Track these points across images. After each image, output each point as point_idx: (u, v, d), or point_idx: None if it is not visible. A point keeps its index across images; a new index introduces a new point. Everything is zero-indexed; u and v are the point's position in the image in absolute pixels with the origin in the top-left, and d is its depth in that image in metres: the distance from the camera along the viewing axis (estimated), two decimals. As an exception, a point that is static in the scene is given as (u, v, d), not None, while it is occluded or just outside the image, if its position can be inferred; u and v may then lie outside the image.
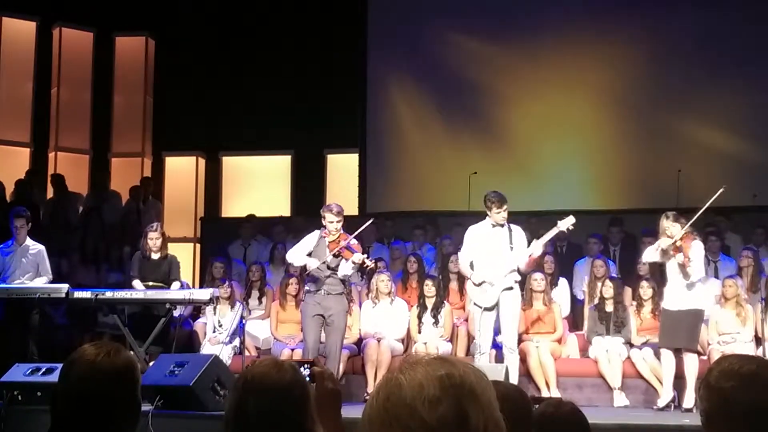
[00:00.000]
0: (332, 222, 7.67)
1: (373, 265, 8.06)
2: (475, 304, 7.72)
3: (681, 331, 7.50)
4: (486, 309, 7.57)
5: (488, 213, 7.66)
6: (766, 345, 7.97)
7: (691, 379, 7.41)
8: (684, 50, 11.70)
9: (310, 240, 7.84)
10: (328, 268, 7.66)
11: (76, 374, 2.27)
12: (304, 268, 7.91)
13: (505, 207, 7.58)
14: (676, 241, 7.37)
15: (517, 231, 7.72)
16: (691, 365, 7.47)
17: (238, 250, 11.28)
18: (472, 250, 7.74)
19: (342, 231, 7.71)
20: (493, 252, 7.60)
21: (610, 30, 12.08)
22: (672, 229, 7.42)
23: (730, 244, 10.11)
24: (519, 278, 7.72)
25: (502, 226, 7.66)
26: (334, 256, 7.62)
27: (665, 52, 11.76)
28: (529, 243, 7.69)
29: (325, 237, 7.72)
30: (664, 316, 7.69)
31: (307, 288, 7.86)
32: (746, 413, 1.95)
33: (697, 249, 7.50)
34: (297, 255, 7.88)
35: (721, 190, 7.66)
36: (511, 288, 7.59)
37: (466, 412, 1.39)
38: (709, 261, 9.19)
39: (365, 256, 7.67)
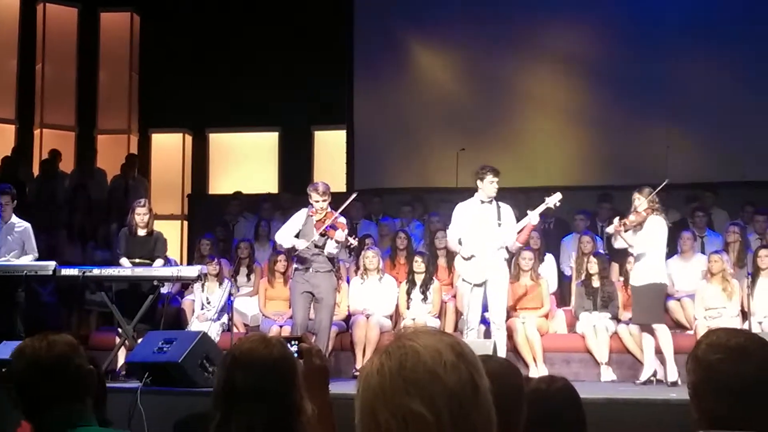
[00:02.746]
0: (318, 201, 7.66)
1: (356, 243, 8.06)
2: (464, 280, 7.73)
3: (645, 307, 7.57)
4: (476, 285, 7.58)
5: (480, 184, 7.64)
6: (752, 319, 8.02)
7: (668, 352, 7.47)
8: (671, 25, 11.67)
9: (298, 219, 7.82)
10: (316, 246, 7.66)
11: (20, 370, 2.38)
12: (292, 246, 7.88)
13: (498, 178, 7.60)
14: (633, 212, 7.47)
15: (506, 208, 7.72)
16: (664, 338, 7.51)
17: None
18: (460, 227, 7.73)
19: (329, 209, 7.70)
20: (482, 228, 7.60)
21: (597, 5, 12.05)
22: (637, 202, 7.56)
23: (716, 219, 10.14)
24: (507, 256, 7.74)
25: (491, 202, 7.66)
26: (321, 235, 7.61)
27: (652, 28, 11.73)
28: (518, 220, 7.70)
29: (312, 216, 7.70)
30: (632, 291, 7.81)
31: (295, 266, 7.85)
32: (733, 386, 1.96)
33: (653, 224, 7.53)
34: (285, 236, 7.86)
35: (665, 182, 7.70)
36: (499, 265, 7.60)
37: (477, 380, 1.40)
38: (695, 236, 9.25)
39: (346, 233, 7.64)
